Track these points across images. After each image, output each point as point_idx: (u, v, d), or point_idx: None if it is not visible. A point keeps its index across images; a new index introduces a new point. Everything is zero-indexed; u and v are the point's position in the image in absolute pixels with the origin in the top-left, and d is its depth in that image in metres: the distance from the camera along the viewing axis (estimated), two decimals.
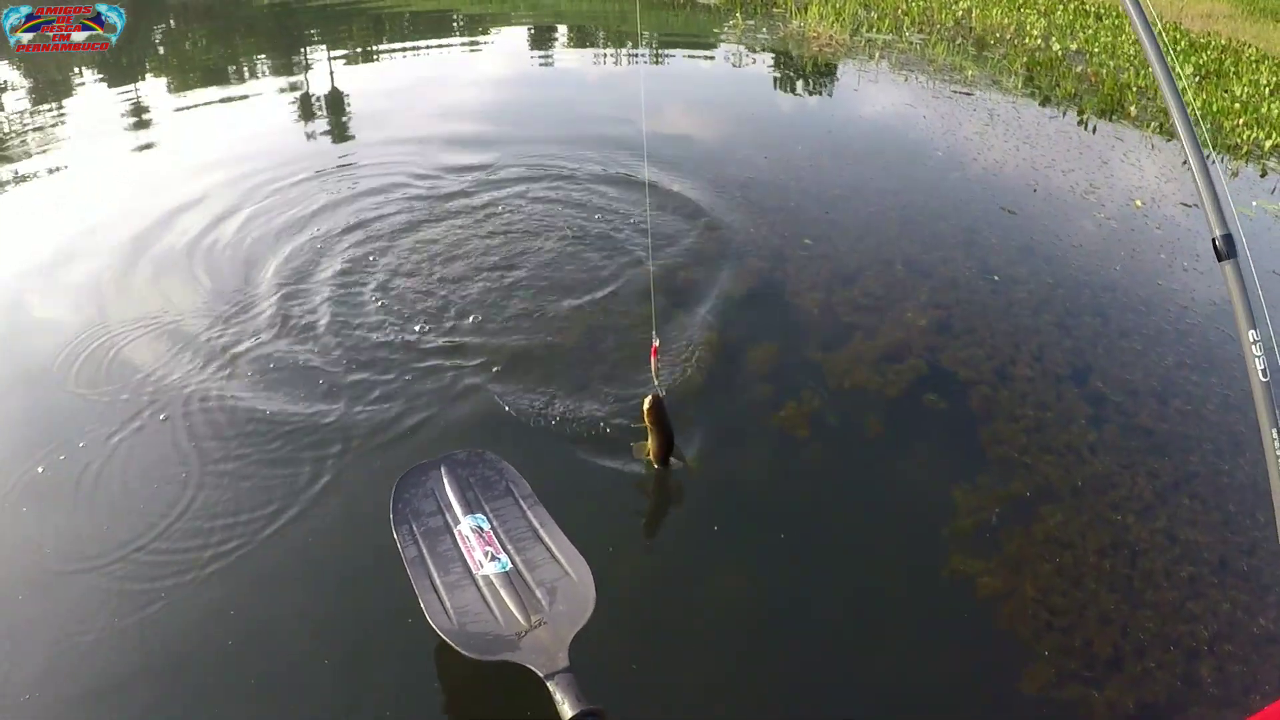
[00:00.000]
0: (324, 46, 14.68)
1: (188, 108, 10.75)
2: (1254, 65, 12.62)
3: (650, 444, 4.03)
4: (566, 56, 14.43)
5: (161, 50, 15.19)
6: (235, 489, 4.08)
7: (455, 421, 4.59)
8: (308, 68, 13.13)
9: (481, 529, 3.54)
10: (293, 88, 11.85)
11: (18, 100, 11.43)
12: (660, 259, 6.18)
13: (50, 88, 12.11)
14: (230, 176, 7.70)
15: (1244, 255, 2.57)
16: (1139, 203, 7.84)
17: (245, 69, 13.20)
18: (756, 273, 6.14)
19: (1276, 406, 2.48)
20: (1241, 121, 10.19)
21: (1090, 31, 14.55)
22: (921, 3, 16.61)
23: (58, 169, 8.33)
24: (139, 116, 10.32)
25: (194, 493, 4.04)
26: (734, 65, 13.13)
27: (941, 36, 14.55)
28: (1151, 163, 8.97)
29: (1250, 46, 13.90)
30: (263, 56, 14.02)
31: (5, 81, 12.38)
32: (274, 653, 3.38)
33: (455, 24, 17.11)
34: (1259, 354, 2.50)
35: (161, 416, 4.55)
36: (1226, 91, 11.27)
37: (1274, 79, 11.82)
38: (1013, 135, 9.54)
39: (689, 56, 14.01)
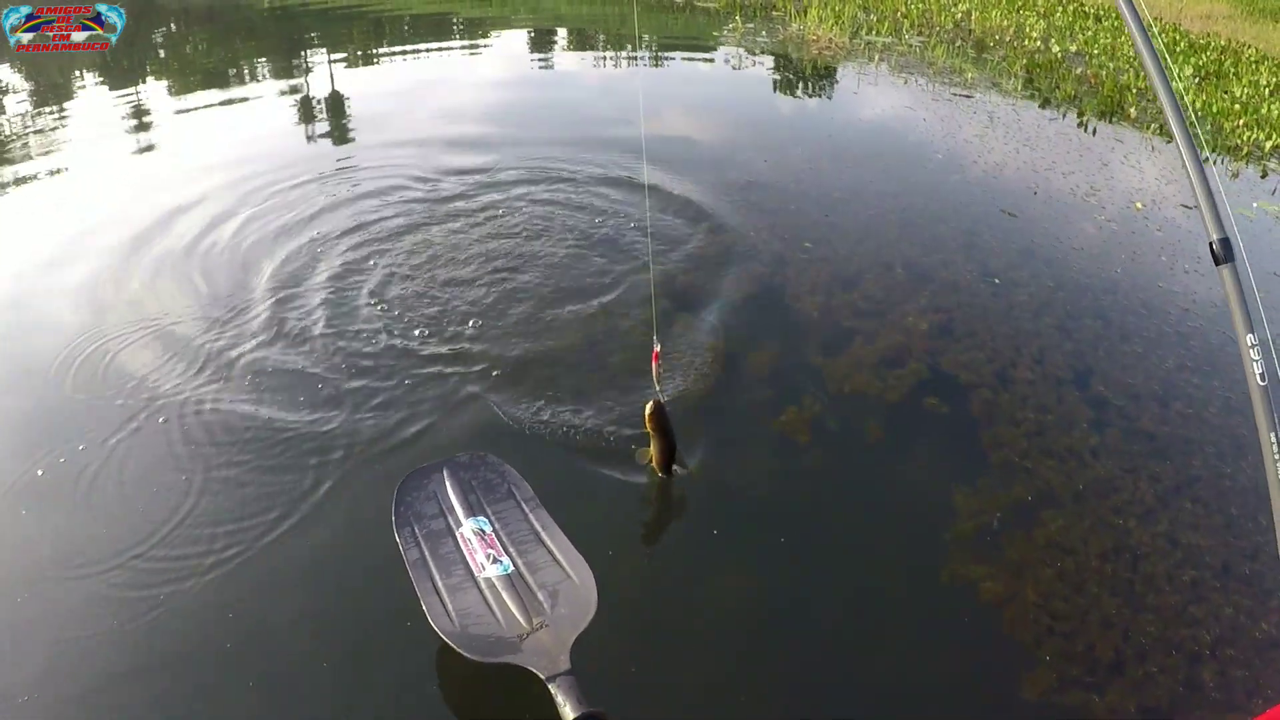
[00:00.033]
0: (324, 49, 14.69)
1: (188, 110, 10.77)
2: (1254, 66, 12.62)
3: (652, 450, 4.02)
4: (566, 60, 14.45)
5: (162, 53, 15.21)
6: (235, 494, 4.07)
7: (457, 426, 4.58)
8: (308, 71, 13.15)
9: (483, 531, 3.54)
10: (293, 91, 11.87)
11: (19, 103, 11.45)
12: (660, 263, 6.18)
13: (51, 90, 12.12)
14: (230, 179, 7.71)
15: (1241, 259, 2.56)
16: (1139, 205, 7.84)
17: (246, 72, 13.22)
18: (757, 276, 6.14)
19: (1275, 411, 2.47)
20: (1242, 123, 10.19)
21: (1089, 33, 14.56)
22: (921, 5, 16.62)
23: (58, 171, 8.34)
24: (139, 119, 10.33)
25: (195, 499, 4.03)
26: (733, 68, 13.13)
27: (941, 39, 14.56)
28: (1152, 164, 8.97)
29: (1250, 47, 13.90)
30: (263, 60, 14.04)
31: (7, 84, 12.40)
32: (275, 655, 3.37)
33: (455, 27, 17.13)
34: (1257, 358, 2.49)
35: (161, 420, 4.55)
36: (1226, 93, 11.27)
37: (1274, 80, 11.82)
38: (1013, 137, 9.54)
39: (688, 59, 14.01)
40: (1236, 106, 10.66)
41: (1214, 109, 10.63)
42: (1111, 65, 12.72)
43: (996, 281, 6.19)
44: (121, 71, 13.12)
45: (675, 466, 4.08)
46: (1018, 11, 16.22)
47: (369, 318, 5.47)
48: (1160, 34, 14.41)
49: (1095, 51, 13.49)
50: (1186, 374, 5.30)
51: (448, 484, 3.78)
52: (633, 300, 5.72)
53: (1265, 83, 11.67)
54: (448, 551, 3.46)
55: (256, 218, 6.88)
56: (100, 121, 10.15)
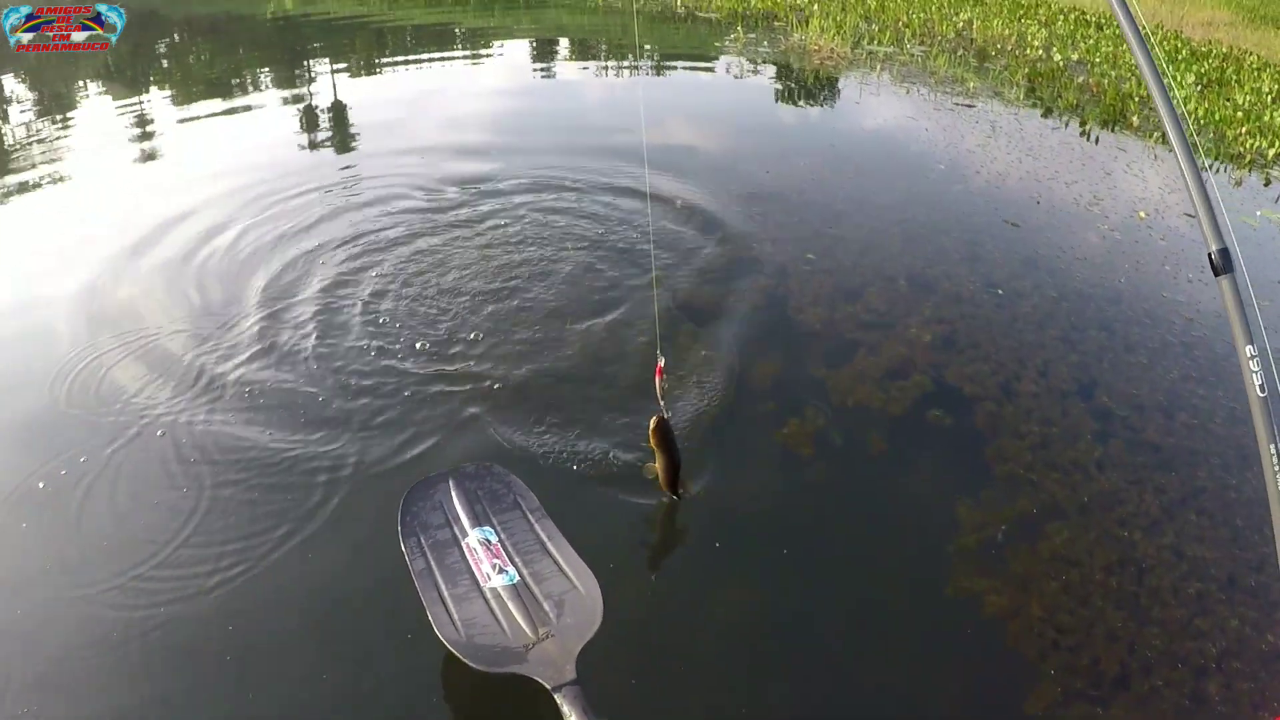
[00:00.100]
0: (327, 60, 14.77)
1: (191, 119, 10.86)
2: (1256, 73, 12.62)
3: (657, 466, 4.02)
4: (568, 70, 14.49)
5: (165, 63, 15.29)
6: (237, 511, 4.07)
7: (460, 440, 4.59)
8: (311, 81, 13.22)
9: (489, 541, 3.55)
10: (296, 100, 11.93)
11: (23, 112, 11.52)
12: (664, 275, 6.19)
13: (55, 100, 12.21)
14: (232, 189, 7.77)
15: (1240, 270, 2.56)
16: (1143, 214, 7.84)
17: (248, 82, 13.30)
18: (760, 288, 6.14)
19: (1275, 422, 2.47)
20: (1244, 130, 10.19)
21: (1091, 42, 14.57)
22: (922, 15, 16.65)
23: (61, 179, 8.44)
24: (142, 129, 10.41)
25: (198, 515, 4.03)
26: (735, 78, 13.18)
27: (943, 48, 14.59)
28: (1155, 173, 8.96)
29: (1252, 54, 13.92)
30: (266, 70, 14.12)
31: (12, 93, 12.47)
32: (280, 668, 3.38)
33: (457, 37, 17.17)
34: (1256, 369, 2.49)
35: (159, 433, 4.56)
36: (1228, 100, 11.27)
37: (1276, 87, 11.81)
38: (1015, 147, 9.54)
39: (690, 69, 14.05)
40: (1239, 114, 10.66)
41: (1216, 117, 10.62)
42: (1114, 73, 12.74)
43: (1000, 292, 6.19)
44: (125, 81, 13.20)
45: (680, 489, 4.08)
46: (1019, 20, 16.25)
47: (372, 330, 5.48)
48: (1162, 42, 14.42)
49: (1097, 60, 13.50)
50: (1191, 384, 5.29)
51: (454, 494, 3.79)
52: (635, 313, 5.73)
53: (1267, 90, 11.66)
54: (453, 561, 3.47)
55: (258, 229, 6.92)
56: (103, 131, 10.23)
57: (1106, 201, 8.08)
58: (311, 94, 12.30)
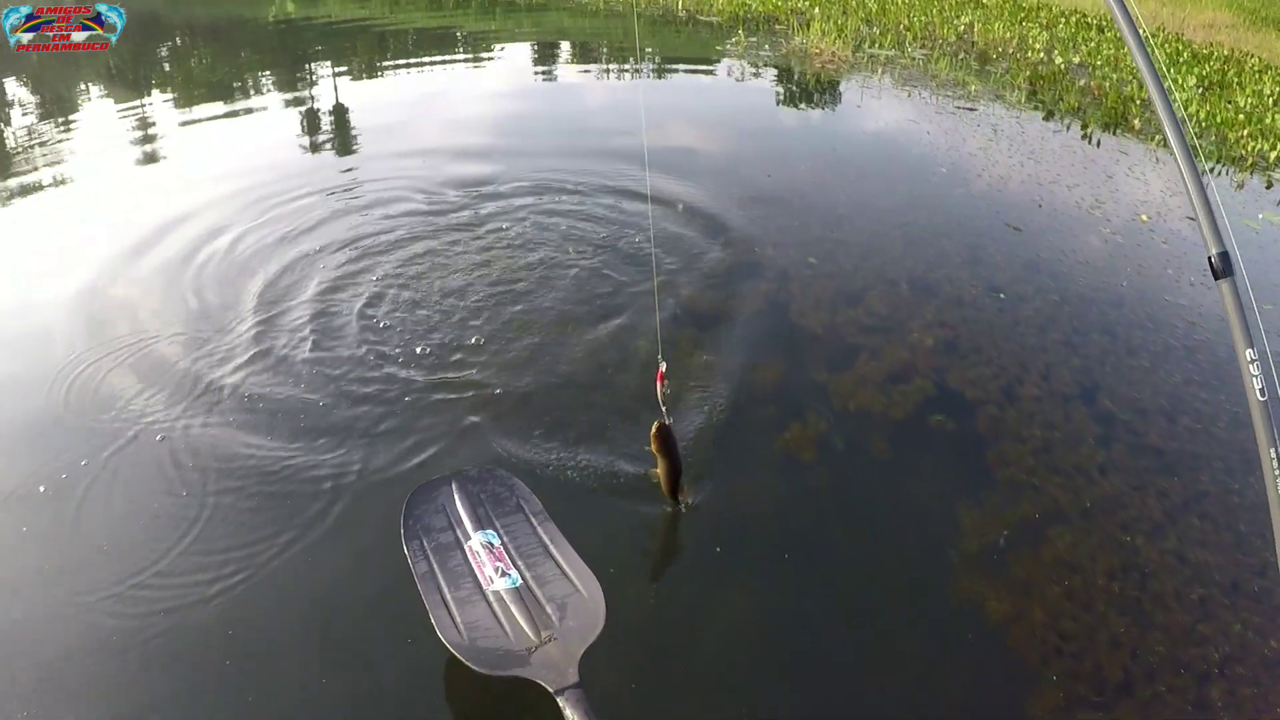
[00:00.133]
0: (329, 63, 14.78)
1: (192, 122, 10.88)
2: (1257, 76, 12.62)
3: (659, 471, 4.01)
4: (569, 73, 14.51)
5: (167, 67, 15.31)
6: (238, 517, 4.06)
7: (463, 444, 4.58)
8: (313, 84, 13.23)
9: (492, 545, 3.55)
10: (297, 104, 11.96)
11: (24, 115, 11.54)
12: (665, 279, 6.19)
13: (57, 103, 12.22)
14: (233, 193, 7.79)
15: (1240, 273, 2.56)
16: (1145, 217, 7.83)
17: (250, 86, 13.31)
18: (761, 293, 6.14)
19: (1275, 426, 2.46)
20: (1246, 133, 10.18)
21: (1093, 44, 14.57)
22: (923, 18, 16.66)
23: (62, 182, 8.46)
24: (144, 132, 10.44)
25: (199, 522, 4.03)
26: (737, 81, 13.18)
27: (944, 52, 14.59)
28: (1157, 176, 8.96)
29: (1253, 57, 13.91)
30: (267, 73, 14.13)
31: (13, 96, 12.49)
32: (280, 672, 3.37)
33: (459, 41, 17.19)
34: (1256, 373, 2.48)
35: (159, 438, 4.56)
36: (1230, 103, 11.26)
37: (1277, 89, 11.81)
38: (1017, 150, 9.54)
39: (692, 73, 14.07)
40: (1240, 117, 10.66)
41: (1218, 119, 10.62)
42: (1115, 76, 12.74)
43: (1002, 296, 6.18)
44: (126, 85, 13.22)
45: (681, 497, 4.07)
46: (1020, 23, 16.25)
47: (373, 335, 5.48)
48: (1163, 44, 14.42)
49: (1098, 63, 13.50)
50: (1194, 388, 5.29)
51: (456, 497, 3.79)
52: (637, 317, 5.72)
53: (1269, 92, 11.66)
54: (456, 564, 3.47)
55: (259, 232, 6.93)
56: (105, 134, 10.27)
57: (1108, 205, 8.08)
58: (313, 97, 12.32)
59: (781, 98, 12.46)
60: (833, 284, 6.29)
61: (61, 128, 10.76)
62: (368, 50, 16.12)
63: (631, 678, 3.39)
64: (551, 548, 3.55)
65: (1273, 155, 9.63)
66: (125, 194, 8.27)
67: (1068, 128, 10.67)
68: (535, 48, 16.67)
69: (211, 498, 4.16)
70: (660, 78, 14.00)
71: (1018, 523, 4.21)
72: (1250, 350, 2.48)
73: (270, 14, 19.57)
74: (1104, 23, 16.09)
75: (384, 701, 3.26)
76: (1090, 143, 10.11)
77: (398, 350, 5.33)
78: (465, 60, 15.35)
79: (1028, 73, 13.18)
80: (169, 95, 12.86)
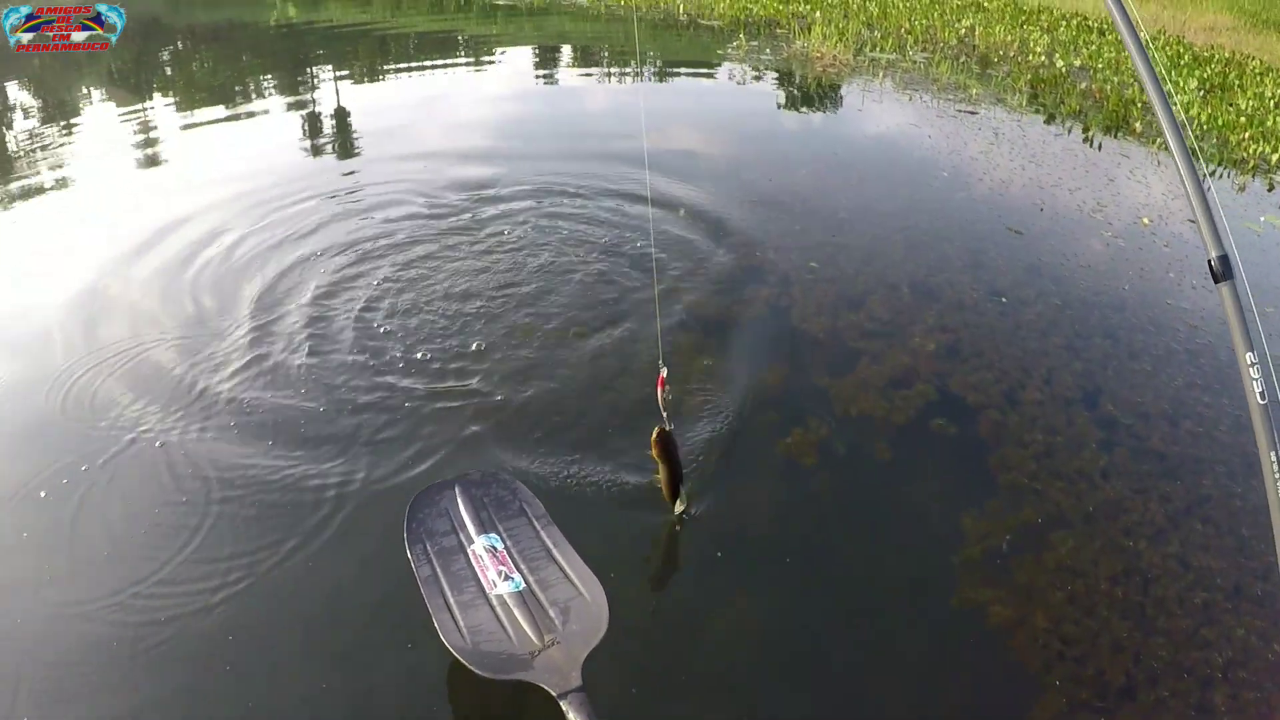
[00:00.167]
0: (330, 67, 14.81)
1: (194, 126, 10.92)
2: (1258, 78, 12.62)
3: (660, 476, 4.01)
4: (571, 77, 14.54)
5: (169, 71, 15.33)
6: (239, 524, 4.06)
7: (466, 451, 4.58)
8: (314, 88, 13.26)
9: (495, 548, 3.55)
10: (299, 108, 11.97)
11: (27, 119, 11.57)
12: (665, 284, 6.18)
13: (58, 107, 12.25)
14: (233, 197, 7.81)
15: (1240, 277, 2.55)
16: (1147, 220, 7.83)
17: (252, 90, 13.33)
18: (763, 297, 6.14)
19: (1275, 429, 2.46)
20: (1247, 135, 10.19)
21: (1094, 47, 14.58)
22: (925, 21, 16.67)
23: (63, 186, 8.50)
24: (145, 136, 10.47)
25: (201, 528, 4.03)
26: (738, 85, 13.19)
27: (945, 55, 14.60)
28: (1158, 179, 8.95)
29: (1254, 59, 13.92)
30: (269, 77, 14.15)
31: (15, 100, 12.51)
32: (283, 676, 3.37)
33: (460, 45, 17.21)
34: (1256, 376, 2.48)
35: (159, 444, 4.55)
36: (1231, 105, 11.27)
37: (1279, 92, 11.80)
38: (1018, 154, 9.54)
39: (693, 77, 14.08)
40: (1242, 119, 10.66)
41: (1219, 122, 10.62)
42: (1116, 79, 12.73)
43: (1003, 301, 6.18)
44: (128, 89, 13.25)
45: (679, 503, 4.06)
46: (1022, 27, 16.26)
47: (375, 341, 5.48)
48: (1164, 47, 14.42)
49: (1100, 66, 13.51)
50: (1196, 392, 5.28)
51: (459, 501, 3.80)
52: (639, 322, 5.73)
53: (1270, 95, 11.66)
54: (459, 568, 3.47)
55: (259, 237, 6.94)
56: (106, 138, 10.31)
57: (1110, 208, 8.07)
58: (314, 101, 12.34)
59: (782, 101, 12.47)
60: (834, 288, 6.29)
61: (63, 131, 10.79)
62: (369, 54, 16.15)
63: (634, 681, 3.40)
64: (555, 551, 3.56)
65: (1274, 158, 9.63)
66: (127, 197, 8.29)
67: (1069, 131, 10.67)
68: (536, 51, 16.70)
69: (214, 506, 4.15)
70: (661, 81, 14.02)
71: (1020, 527, 4.20)
72: (1250, 354, 2.48)
73: (271, 18, 19.63)
74: (1105, 26, 16.10)
75: (386, 705, 3.26)
76: (1092, 146, 10.11)
77: (399, 355, 5.33)
78: (467, 64, 15.38)
79: (1029, 76, 13.19)
80: (170, 99, 12.89)
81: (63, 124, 11.24)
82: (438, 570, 3.45)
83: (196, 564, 3.84)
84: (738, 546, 4.07)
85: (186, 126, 10.91)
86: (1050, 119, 11.20)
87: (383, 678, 3.36)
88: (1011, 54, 14.69)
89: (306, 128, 10.92)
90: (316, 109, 11.88)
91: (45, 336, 5.57)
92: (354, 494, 4.24)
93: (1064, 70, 13.40)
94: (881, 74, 13.38)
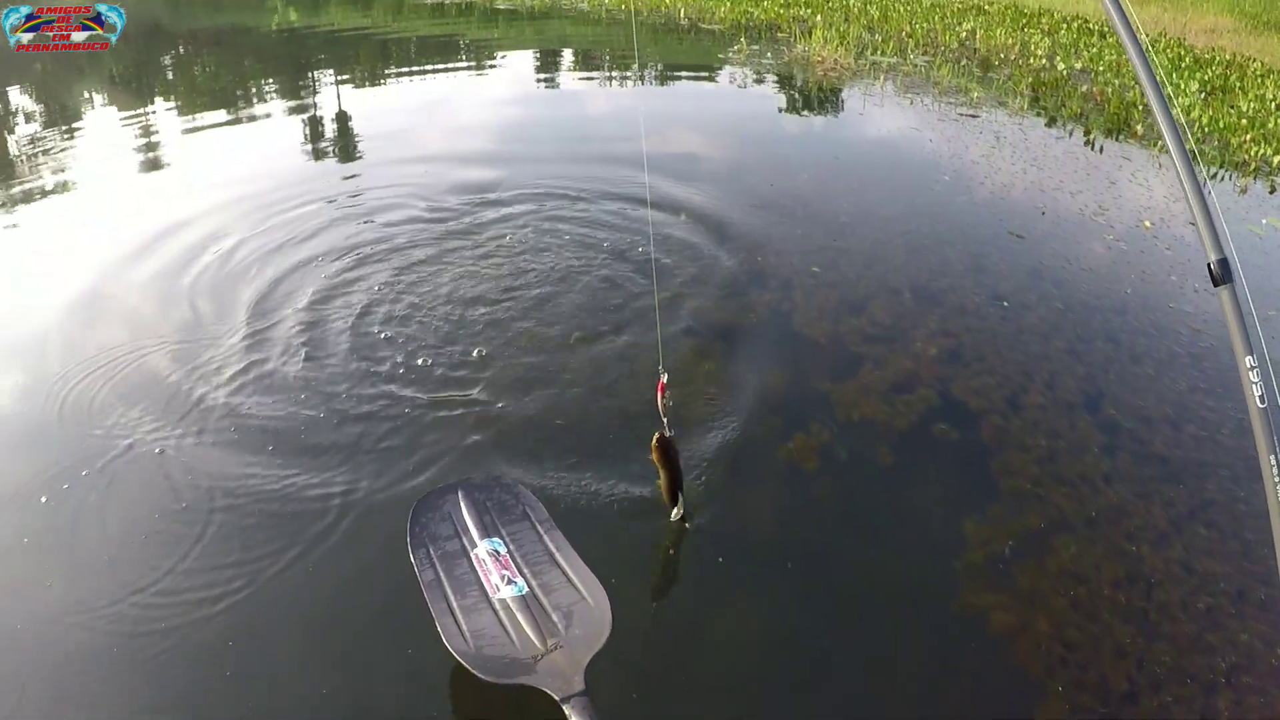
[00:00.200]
0: (331, 71, 14.86)
1: (194, 130, 10.95)
2: (1260, 80, 12.62)
3: (660, 483, 4.00)
4: (572, 81, 14.55)
5: (170, 76, 15.36)
6: (239, 531, 4.06)
7: (468, 457, 4.58)
8: (315, 92, 13.29)
9: (498, 553, 3.56)
10: (300, 112, 11.98)
11: (28, 124, 11.60)
12: (665, 290, 6.18)
13: (60, 112, 12.28)
14: (234, 201, 7.85)
15: (1240, 280, 2.55)
16: (1148, 223, 7.82)
17: (253, 94, 13.36)
18: (764, 303, 6.14)
19: (1275, 433, 2.46)
20: (1249, 138, 10.18)
21: (1095, 50, 14.58)
22: (925, 25, 16.68)
23: (64, 190, 8.50)
24: (146, 141, 10.50)
25: (201, 534, 4.02)
26: (739, 89, 13.20)
27: (946, 58, 14.60)
28: (1160, 182, 8.94)
29: (1255, 61, 13.92)
30: (270, 82, 14.19)
31: (17, 105, 12.54)
32: (284, 680, 3.37)
33: (461, 49, 17.24)
34: (1256, 380, 2.48)
35: (158, 451, 4.55)
36: (1233, 107, 11.26)
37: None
38: (1019, 157, 9.54)
39: (694, 81, 14.09)
40: (1243, 122, 10.65)
41: (1221, 124, 10.62)
42: (1117, 82, 12.73)
43: (1005, 305, 6.18)
44: (130, 93, 13.27)
45: (677, 510, 4.05)
46: (1022, 29, 16.27)
47: (376, 348, 5.48)
48: (1165, 50, 14.43)
49: (1101, 68, 13.51)
50: (1199, 395, 5.27)
51: (463, 505, 3.81)
52: (639, 327, 5.72)
53: (1271, 97, 11.66)
54: (462, 573, 3.48)
55: (260, 242, 6.95)
56: (108, 143, 10.35)
57: (1112, 211, 8.07)
58: (316, 105, 12.36)
59: (784, 105, 12.48)
60: (836, 293, 6.28)
61: (65, 135, 10.83)
62: (370, 58, 16.18)
63: (636, 685, 3.39)
64: (558, 556, 3.56)
65: (1276, 160, 9.62)
66: (128, 201, 8.31)
67: (1070, 134, 10.67)
68: (537, 56, 16.71)
69: (214, 513, 4.15)
70: (663, 85, 14.03)
71: (1022, 532, 4.19)
72: (1250, 357, 2.48)
73: (273, 22, 19.67)
74: (1106, 28, 16.10)
75: (388, 709, 3.26)
76: (1093, 149, 10.10)
77: (400, 361, 5.32)
78: (468, 68, 15.42)
79: (1030, 79, 13.19)
80: (172, 103, 12.92)
81: (64, 128, 11.27)
82: (441, 574, 3.45)
83: (198, 570, 3.83)
84: (740, 551, 4.06)
85: (188, 131, 10.94)
86: (1051, 122, 11.20)
87: (385, 682, 3.35)
88: (1012, 57, 14.70)
89: (308, 132, 10.94)
90: (318, 113, 11.90)
91: (45, 340, 5.58)
92: (356, 501, 4.24)
93: (1065, 73, 13.41)
94: (882, 78, 13.39)
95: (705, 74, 14.49)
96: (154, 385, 5.09)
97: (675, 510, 4.05)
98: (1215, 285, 2.57)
